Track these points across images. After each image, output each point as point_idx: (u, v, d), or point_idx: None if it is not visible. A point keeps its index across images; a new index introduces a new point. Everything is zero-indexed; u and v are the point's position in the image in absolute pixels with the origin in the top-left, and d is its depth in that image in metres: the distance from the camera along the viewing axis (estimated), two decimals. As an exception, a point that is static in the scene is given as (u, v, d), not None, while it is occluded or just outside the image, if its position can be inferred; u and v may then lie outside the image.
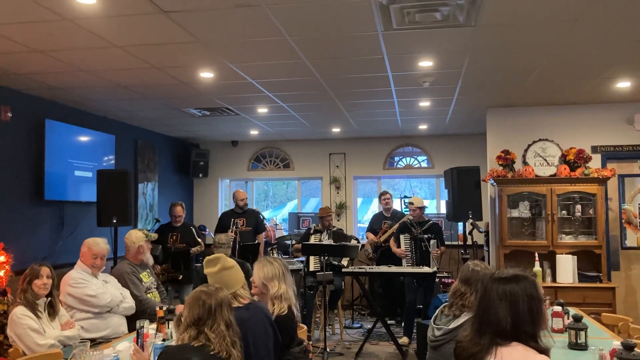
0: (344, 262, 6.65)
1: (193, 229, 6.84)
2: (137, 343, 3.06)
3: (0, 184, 5.32)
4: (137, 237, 4.71)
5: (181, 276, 6.30)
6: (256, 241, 7.13)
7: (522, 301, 1.96)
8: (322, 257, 6.01)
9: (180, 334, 2.42)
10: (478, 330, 2.02)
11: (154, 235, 5.92)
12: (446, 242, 6.73)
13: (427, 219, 6.79)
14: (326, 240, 6.62)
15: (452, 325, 2.83)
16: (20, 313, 3.47)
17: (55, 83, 5.31)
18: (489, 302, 2.00)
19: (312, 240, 6.75)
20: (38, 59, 4.47)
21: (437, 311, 3.07)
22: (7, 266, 4.52)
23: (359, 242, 7.26)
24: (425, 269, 6.09)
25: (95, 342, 3.75)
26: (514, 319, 1.94)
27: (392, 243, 6.75)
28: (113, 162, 7.08)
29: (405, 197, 8.86)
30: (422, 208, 6.70)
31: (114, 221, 5.91)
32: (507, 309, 1.95)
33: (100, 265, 4.22)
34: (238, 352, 2.41)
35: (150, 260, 4.83)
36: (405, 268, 6.43)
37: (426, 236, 6.32)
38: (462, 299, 2.89)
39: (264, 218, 7.54)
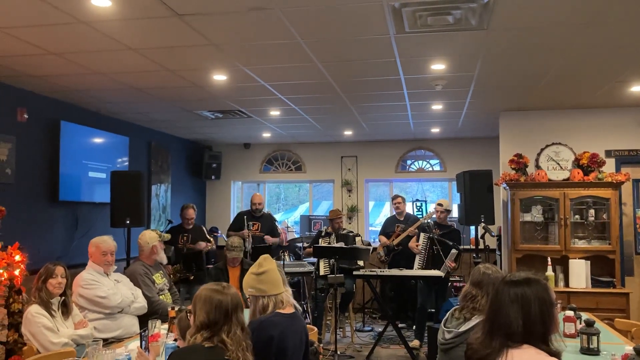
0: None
1: (204, 229, 6.89)
2: (141, 346, 3.11)
3: (16, 185, 5.39)
4: (151, 237, 4.74)
5: (192, 276, 6.33)
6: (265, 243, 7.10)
7: (533, 304, 1.95)
8: (330, 260, 6.01)
9: (191, 335, 2.39)
10: (489, 333, 2.02)
11: (167, 236, 5.95)
12: (459, 247, 6.70)
13: (449, 223, 6.78)
14: (333, 243, 6.61)
15: (463, 328, 2.83)
16: (34, 312, 3.51)
17: (71, 85, 5.37)
18: (501, 304, 2.00)
19: (322, 243, 6.75)
20: (54, 61, 4.53)
21: (447, 314, 3.07)
22: (22, 265, 4.56)
23: (361, 239, 7.25)
24: (436, 272, 6.07)
25: (107, 342, 3.77)
26: (525, 322, 1.93)
27: (412, 240, 6.79)
28: (127, 163, 7.14)
29: (417, 200, 8.84)
30: (448, 211, 6.78)
31: (127, 222, 5.96)
32: (519, 312, 1.95)
33: (112, 261, 4.24)
34: (251, 354, 2.41)
35: (164, 259, 4.86)
36: (417, 271, 6.41)
37: (451, 243, 6.25)
38: (473, 302, 2.89)
39: (276, 221, 7.55)
